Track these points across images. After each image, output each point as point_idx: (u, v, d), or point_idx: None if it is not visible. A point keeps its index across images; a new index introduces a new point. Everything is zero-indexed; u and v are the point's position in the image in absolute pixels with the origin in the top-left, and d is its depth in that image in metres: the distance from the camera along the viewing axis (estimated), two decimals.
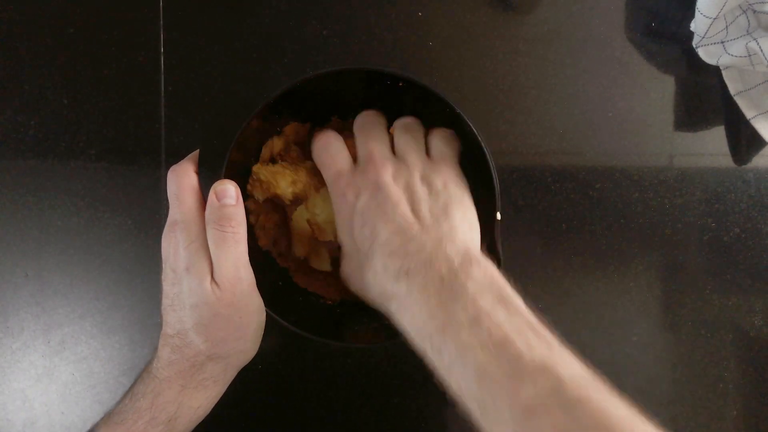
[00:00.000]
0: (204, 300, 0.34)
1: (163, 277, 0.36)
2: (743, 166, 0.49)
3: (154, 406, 0.35)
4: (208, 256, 0.34)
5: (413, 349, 0.31)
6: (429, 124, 0.40)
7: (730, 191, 0.49)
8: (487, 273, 0.30)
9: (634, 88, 0.48)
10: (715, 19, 0.43)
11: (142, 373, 0.37)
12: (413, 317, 0.31)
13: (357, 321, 0.41)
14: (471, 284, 0.30)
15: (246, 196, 0.40)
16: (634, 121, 0.48)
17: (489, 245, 0.36)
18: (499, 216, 0.36)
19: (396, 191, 0.35)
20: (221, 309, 0.34)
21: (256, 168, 0.39)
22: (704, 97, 0.49)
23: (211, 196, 0.34)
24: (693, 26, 0.46)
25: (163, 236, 0.35)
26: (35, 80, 0.47)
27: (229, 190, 0.34)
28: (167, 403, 0.35)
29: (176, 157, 0.47)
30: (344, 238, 0.37)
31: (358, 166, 0.37)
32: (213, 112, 0.47)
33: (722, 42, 0.45)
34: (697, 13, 0.44)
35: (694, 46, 0.47)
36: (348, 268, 0.37)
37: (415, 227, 0.33)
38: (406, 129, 0.38)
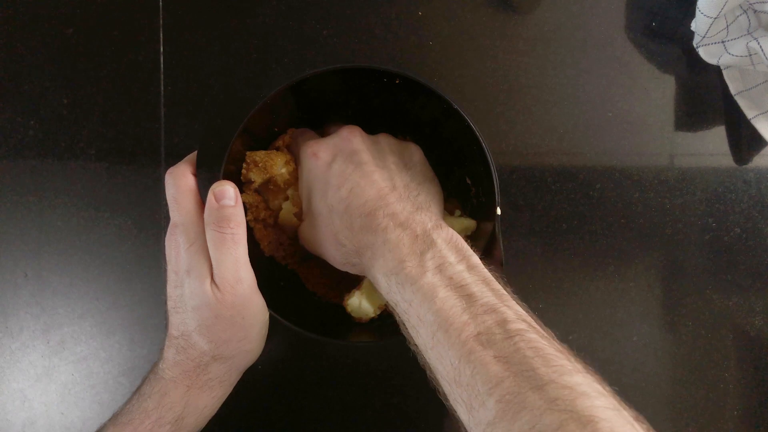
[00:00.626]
0: (205, 302, 0.34)
1: (166, 279, 0.36)
2: (744, 166, 0.49)
3: (160, 406, 0.35)
4: (208, 257, 0.34)
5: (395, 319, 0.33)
6: (424, 121, 0.40)
7: (731, 191, 0.49)
8: (453, 236, 0.33)
9: (634, 88, 0.48)
10: (715, 18, 0.43)
11: (148, 374, 0.37)
12: (385, 261, 0.32)
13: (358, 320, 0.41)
14: (439, 241, 0.32)
15: (242, 190, 0.40)
16: (634, 121, 0.48)
17: (489, 241, 0.36)
18: (499, 211, 0.36)
19: (370, 158, 0.36)
20: (222, 310, 0.34)
21: (250, 152, 0.39)
22: (705, 96, 0.49)
23: (210, 197, 0.34)
24: (693, 26, 0.46)
25: (165, 239, 0.36)
26: (35, 80, 0.47)
27: (227, 191, 0.34)
28: (173, 404, 0.35)
29: (176, 157, 0.47)
30: (312, 198, 0.37)
31: (331, 136, 0.38)
32: (213, 112, 0.47)
33: (723, 42, 0.45)
34: (697, 13, 0.44)
35: (695, 45, 0.46)
36: (311, 229, 0.38)
37: (392, 195, 0.34)
38: None
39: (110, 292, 0.47)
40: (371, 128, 0.40)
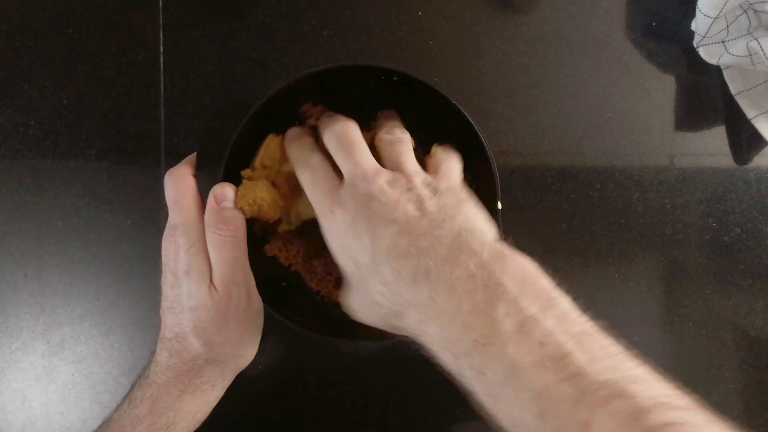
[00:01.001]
0: (202, 303, 0.34)
1: (162, 279, 0.36)
2: (744, 166, 0.49)
3: (152, 412, 0.35)
4: (207, 259, 0.34)
5: (426, 355, 0.28)
6: (424, 118, 0.40)
7: (731, 191, 0.49)
8: (524, 268, 0.25)
9: (634, 87, 0.48)
10: (715, 18, 0.43)
11: (138, 379, 0.37)
12: (442, 329, 0.25)
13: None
14: (509, 282, 0.24)
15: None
16: (634, 121, 0.48)
17: None
18: (500, 205, 0.35)
19: (393, 193, 0.29)
20: (219, 312, 0.34)
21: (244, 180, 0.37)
22: (705, 96, 0.49)
23: (210, 199, 0.34)
24: (693, 26, 0.46)
25: (163, 239, 0.35)
26: (35, 80, 0.47)
27: (228, 194, 0.34)
28: (165, 409, 0.35)
29: (176, 157, 0.47)
30: (341, 262, 0.31)
31: (345, 182, 0.31)
32: (213, 112, 0.47)
33: (723, 41, 0.45)
34: (697, 13, 0.44)
35: (695, 45, 0.46)
36: (352, 297, 0.32)
37: (422, 222, 0.28)
38: (392, 135, 0.34)
39: (110, 292, 0.47)
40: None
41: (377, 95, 0.40)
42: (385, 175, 0.31)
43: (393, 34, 0.48)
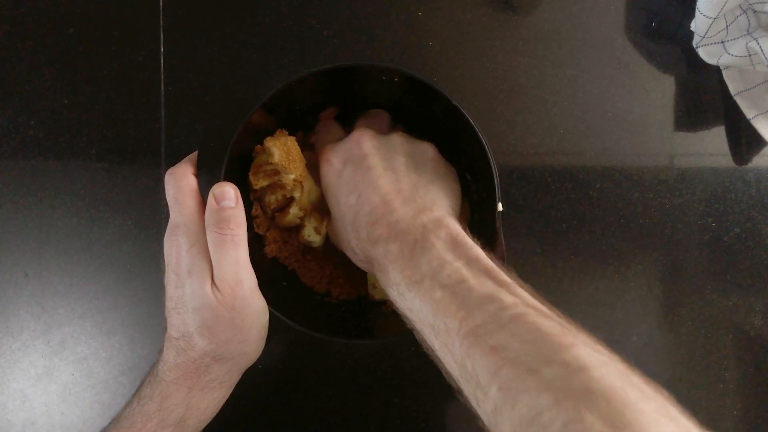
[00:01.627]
0: (205, 303, 0.34)
1: (165, 279, 0.36)
2: (743, 166, 0.49)
3: (162, 409, 0.35)
4: (209, 258, 0.34)
5: (426, 355, 0.32)
6: (427, 118, 0.40)
7: (730, 191, 0.49)
8: (452, 232, 0.32)
9: (634, 88, 0.48)
10: (715, 18, 0.43)
11: (147, 377, 0.37)
12: (388, 274, 0.33)
13: (363, 317, 0.41)
14: (438, 243, 0.32)
15: (246, 193, 0.40)
16: (634, 121, 0.48)
17: (489, 238, 0.36)
18: (500, 207, 0.36)
19: (378, 162, 0.36)
20: (223, 312, 0.34)
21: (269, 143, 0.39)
22: (704, 97, 0.49)
23: (210, 199, 0.34)
24: (693, 26, 0.46)
25: (165, 239, 0.36)
26: (35, 80, 0.47)
27: (228, 193, 0.34)
28: (175, 406, 0.35)
29: (176, 158, 0.47)
30: (331, 202, 0.38)
31: (344, 140, 0.38)
32: (213, 112, 0.47)
33: (722, 42, 0.45)
34: (697, 13, 0.44)
35: (695, 45, 0.47)
36: (335, 230, 0.39)
37: (397, 200, 0.34)
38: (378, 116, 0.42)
39: (110, 292, 0.47)
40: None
41: (379, 95, 0.40)
42: (374, 138, 0.38)
43: (393, 34, 0.48)
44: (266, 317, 0.37)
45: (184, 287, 0.34)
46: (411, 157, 0.38)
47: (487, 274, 0.30)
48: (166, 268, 0.36)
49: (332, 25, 0.48)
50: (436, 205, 0.35)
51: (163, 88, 0.47)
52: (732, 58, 0.44)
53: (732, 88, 0.47)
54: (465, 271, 0.30)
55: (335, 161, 0.37)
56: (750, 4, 0.44)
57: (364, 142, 0.37)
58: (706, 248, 0.48)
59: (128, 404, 0.37)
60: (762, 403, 0.48)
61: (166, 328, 0.37)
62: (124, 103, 0.47)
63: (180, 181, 0.35)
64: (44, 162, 0.47)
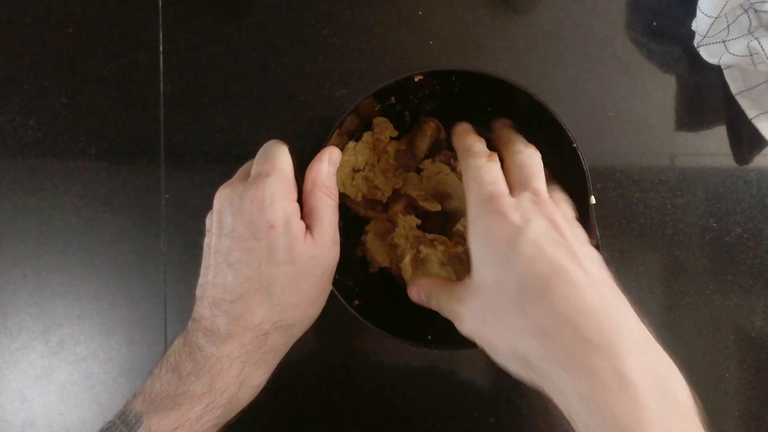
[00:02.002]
0: (300, 255, 0.32)
1: (223, 232, 0.32)
2: (745, 166, 0.49)
3: (213, 390, 0.31)
4: (300, 213, 0.33)
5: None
6: (509, 117, 0.40)
7: (732, 191, 0.48)
8: (672, 384, 0.26)
9: (634, 87, 0.48)
10: (716, 18, 0.43)
11: (180, 346, 0.32)
12: (577, 411, 0.26)
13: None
14: (682, 396, 0.26)
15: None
16: (634, 120, 0.48)
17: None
18: (593, 200, 0.35)
19: (575, 241, 0.29)
20: (313, 268, 0.33)
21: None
22: (705, 96, 0.48)
23: (324, 160, 0.34)
24: (694, 25, 0.46)
25: (231, 188, 0.33)
26: (34, 80, 0.47)
27: (338, 160, 0.35)
28: (228, 384, 0.31)
29: (176, 157, 0.47)
30: (485, 260, 0.30)
31: (520, 195, 0.31)
32: (213, 112, 0.47)
33: (723, 41, 0.45)
34: (698, 13, 0.44)
35: (696, 45, 0.46)
36: (475, 309, 0.30)
37: (617, 299, 0.28)
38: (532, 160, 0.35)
39: (110, 292, 0.47)
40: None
41: (469, 98, 0.40)
42: (559, 211, 0.31)
43: (393, 34, 0.48)
44: (330, 289, 0.36)
45: (270, 238, 0.31)
46: (577, 236, 0.31)
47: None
48: (227, 219, 0.32)
49: (332, 25, 0.48)
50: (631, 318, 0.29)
51: (162, 88, 0.47)
52: (733, 58, 0.44)
53: (733, 88, 0.47)
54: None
55: (516, 217, 0.30)
56: (751, 4, 0.44)
57: (557, 213, 0.31)
58: (707, 248, 0.48)
59: (157, 377, 0.32)
60: (763, 403, 0.48)
61: (200, 297, 0.33)
62: (123, 103, 0.47)
63: (275, 143, 0.35)
64: (43, 162, 0.47)
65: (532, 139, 0.38)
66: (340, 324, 0.47)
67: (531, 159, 0.34)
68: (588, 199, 0.35)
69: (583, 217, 0.35)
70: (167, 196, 0.47)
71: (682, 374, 0.27)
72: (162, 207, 0.47)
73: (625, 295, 0.29)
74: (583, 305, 0.26)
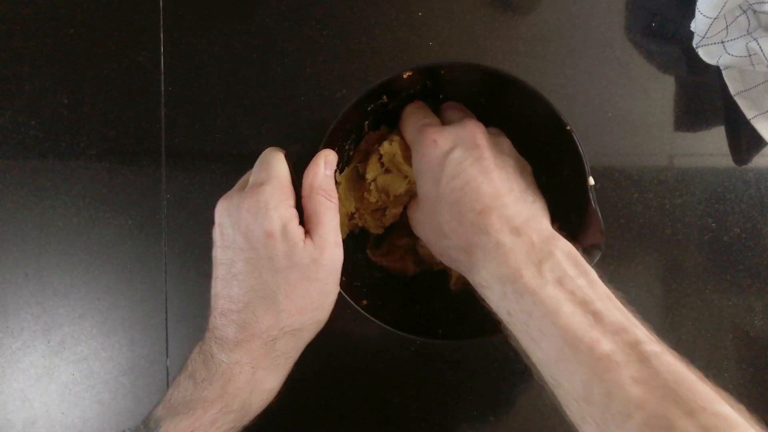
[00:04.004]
0: (300, 261, 0.32)
1: (226, 244, 0.33)
2: (743, 166, 0.49)
3: (225, 395, 0.32)
4: (299, 218, 0.34)
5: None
6: (503, 107, 0.40)
7: (730, 191, 0.49)
8: (571, 249, 0.32)
9: (634, 88, 0.48)
10: (715, 19, 0.43)
11: (196, 354, 0.34)
12: (498, 265, 0.31)
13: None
14: (558, 252, 0.31)
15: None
16: (633, 121, 0.48)
17: (580, 213, 0.36)
18: (592, 181, 0.36)
19: (490, 156, 0.35)
20: (315, 273, 0.33)
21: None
22: (704, 97, 0.49)
23: (320, 164, 0.34)
24: (693, 26, 0.46)
25: (229, 200, 0.34)
26: (35, 80, 0.47)
27: (334, 163, 0.35)
28: (239, 390, 0.32)
29: (176, 158, 0.47)
30: (424, 184, 0.36)
31: (451, 124, 0.37)
32: (213, 112, 0.47)
33: (722, 42, 0.45)
34: (697, 13, 0.44)
35: (694, 46, 0.47)
36: (420, 213, 0.38)
37: (509, 197, 0.33)
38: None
39: (110, 292, 0.47)
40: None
41: (459, 90, 0.40)
42: (486, 132, 0.37)
43: (393, 34, 0.48)
44: (337, 291, 0.36)
45: (269, 246, 0.32)
46: (517, 163, 0.37)
47: (611, 301, 0.30)
48: (228, 230, 0.33)
49: (332, 25, 0.48)
50: (545, 218, 0.35)
51: (163, 88, 0.47)
52: (732, 58, 0.44)
53: (732, 88, 0.47)
54: (589, 292, 0.30)
55: (443, 143, 0.35)
56: (750, 4, 0.44)
57: (479, 133, 0.36)
58: (706, 248, 0.48)
59: (177, 385, 0.33)
60: (763, 403, 0.48)
61: (213, 307, 0.34)
62: (124, 104, 0.47)
63: (270, 150, 0.35)
64: (44, 162, 0.47)
65: (527, 126, 0.39)
66: (340, 325, 0.48)
67: (465, 111, 0.40)
68: (586, 181, 0.36)
69: (583, 199, 0.36)
70: (168, 196, 0.47)
71: None
72: (163, 207, 0.47)
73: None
74: (480, 208, 0.33)
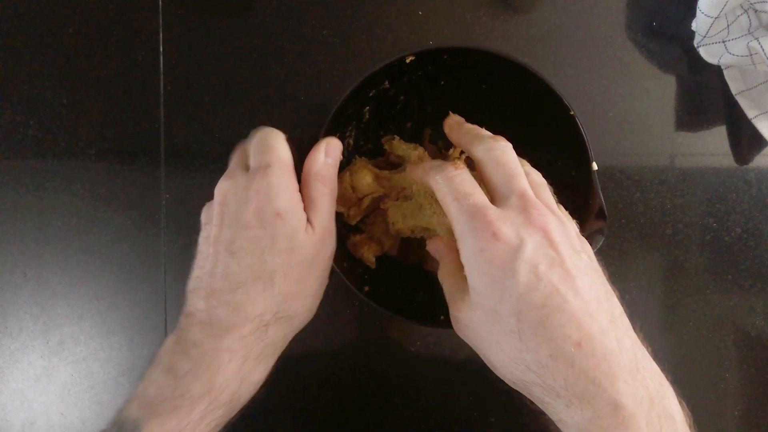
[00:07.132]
0: (301, 243, 0.32)
1: (226, 222, 0.32)
2: (744, 166, 0.49)
3: (213, 389, 0.30)
4: (302, 202, 0.33)
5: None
6: (505, 93, 0.40)
7: (732, 191, 0.48)
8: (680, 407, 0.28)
9: (634, 87, 0.48)
10: (716, 18, 0.43)
11: (169, 346, 0.31)
12: (573, 419, 0.27)
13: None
14: (678, 419, 0.27)
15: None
16: (634, 121, 0.48)
17: (583, 199, 0.36)
18: (595, 166, 0.36)
19: (570, 253, 0.28)
20: (312, 257, 0.33)
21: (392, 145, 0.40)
22: (705, 96, 0.49)
23: (321, 151, 0.34)
24: (694, 25, 0.46)
25: (233, 180, 0.33)
26: (35, 80, 0.47)
27: (337, 150, 0.35)
28: (229, 381, 0.30)
29: (176, 157, 0.47)
30: (481, 285, 0.28)
31: (505, 203, 0.30)
32: (213, 112, 0.47)
33: (723, 41, 0.45)
34: (698, 13, 0.44)
35: (695, 45, 0.46)
36: (472, 319, 0.30)
37: (603, 316, 0.27)
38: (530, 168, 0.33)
39: (110, 292, 0.47)
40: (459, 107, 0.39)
41: (464, 75, 0.40)
42: (554, 218, 0.29)
43: (393, 34, 0.48)
44: (327, 282, 0.35)
45: (276, 226, 0.31)
46: (583, 243, 0.31)
47: None
48: (220, 216, 0.32)
49: (332, 25, 0.48)
50: (624, 316, 0.29)
51: (162, 88, 0.47)
52: (733, 58, 0.44)
53: (733, 88, 0.47)
54: None
55: (507, 235, 0.28)
56: (751, 4, 0.44)
57: (549, 221, 0.29)
58: (707, 248, 0.48)
59: (150, 381, 0.30)
60: (763, 403, 0.48)
61: (194, 290, 0.32)
62: (123, 103, 0.47)
63: (271, 131, 0.34)
64: (44, 162, 0.47)
65: (530, 112, 0.38)
66: (340, 325, 0.48)
67: (506, 154, 0.31)
68: (590, 166, 0.36)
69: (586, 183, 0.36)
70: (167, 196, 0.47)
71: (682, 374, 0.28)
72: (162, 207, 0.47)
73: (613, 287, 0.30)
74: (577, 337, 0.26)
